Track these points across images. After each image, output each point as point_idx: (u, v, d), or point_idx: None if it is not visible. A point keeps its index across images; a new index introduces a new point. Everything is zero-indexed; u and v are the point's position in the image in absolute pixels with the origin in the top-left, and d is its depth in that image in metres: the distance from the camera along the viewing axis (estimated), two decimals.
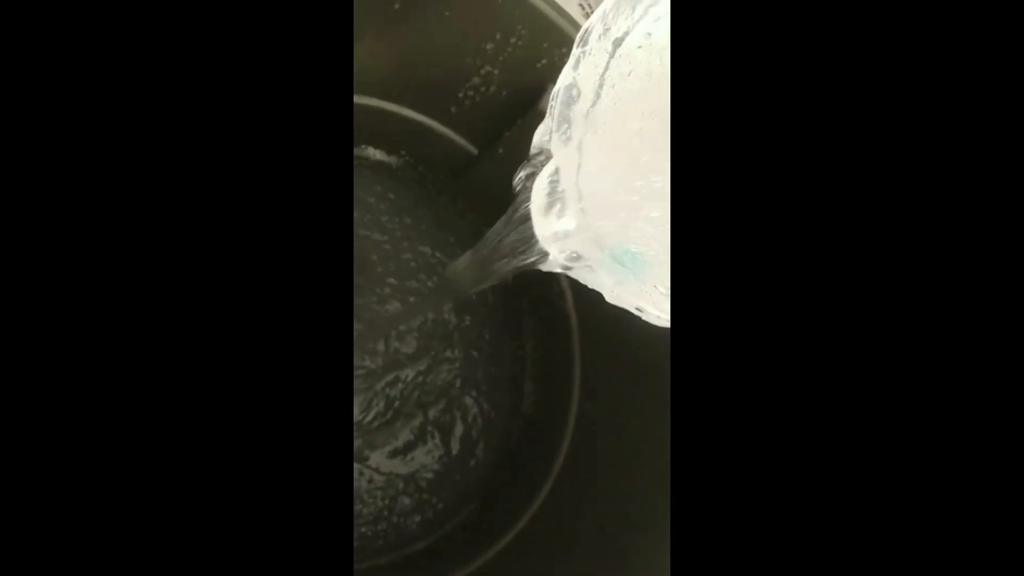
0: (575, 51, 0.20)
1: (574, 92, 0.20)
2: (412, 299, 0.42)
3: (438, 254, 0.43)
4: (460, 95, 0.37)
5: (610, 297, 0.21)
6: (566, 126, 0.21)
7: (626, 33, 0.19)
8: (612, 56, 0.19)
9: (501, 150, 0.38)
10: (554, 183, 0.22)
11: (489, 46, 0.34)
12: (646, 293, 0.20)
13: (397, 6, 0.32)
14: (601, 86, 0.20)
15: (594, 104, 0.20)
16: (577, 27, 0.32)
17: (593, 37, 0.20)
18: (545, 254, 0.23)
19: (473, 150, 0.40)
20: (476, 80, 0.36)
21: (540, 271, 0.25)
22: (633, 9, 0.19)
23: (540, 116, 0.34)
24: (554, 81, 0.33)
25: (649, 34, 0.18)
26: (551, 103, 0.21)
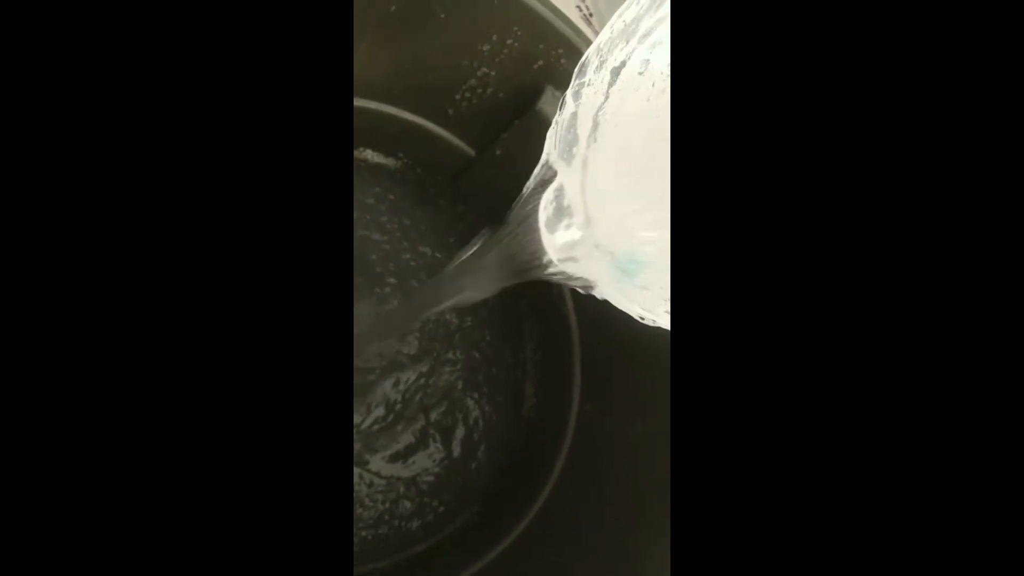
0: (574, 82, 0.21)
1: (576, 120, 0.21)
2: (410, 300, 0.42)
3: (438, 254, 0.43)
4: (457, 97, 0.37)
5: (616, 302, 0.22)
6: (570, 149, 0.22)
7: (623, 62, 0.20)
8: (612, 84, 0.20)
9: (498, 152, 0.38)
10: (559, 199, 0.22)
11: (485, 48, 0.34)
12: (648, 298, 0.21)
13: (393, 8, 0.32)
14: (602, 112, 0.20)
15: (595, 128, 0.21)
16: (574, 28, 0.32)
17: (591, 70, 0.21)
18: (550, 264, 0.24)
19: (470, 152, 0.40)
20: (473, 82, 0.36)
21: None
22: (627, 41, 0.20)
23: (537, 117, 0.34)
24: (551, 82, 0.34)
25: (647, 60, 0.19)
26: (552, 130, 0.22)
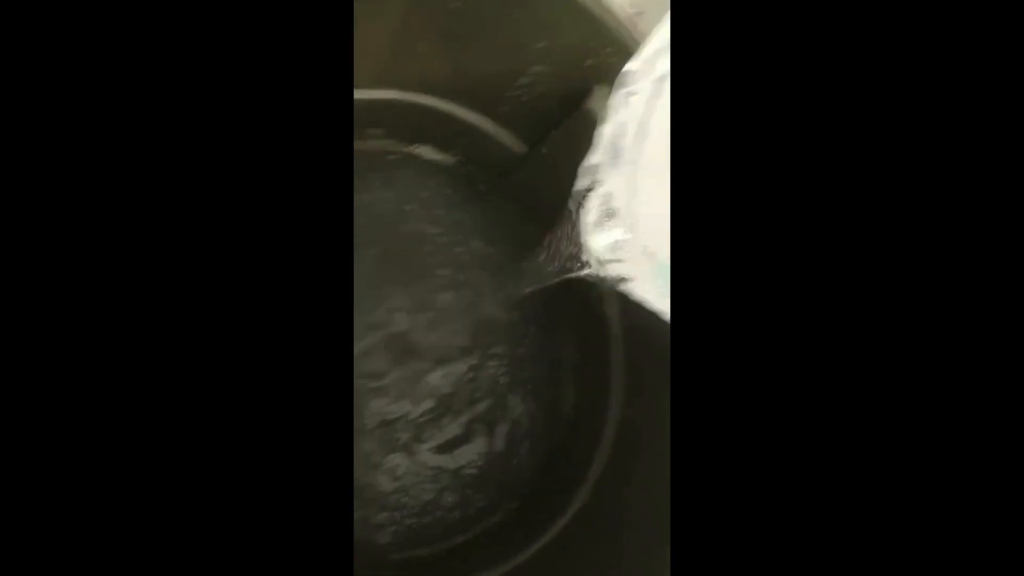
0: (620, 92, 0.23)
1: (622, 128, 0.23)
2: (467, 292, 0.43)
3: (489, 249, 0.44)
4: (509, 94, 0.37)
5: (652, 302, 0.23)
6: (617, 156, 0.23)
7: (666, 73, 0.21)
8: (656, 94, 0.22)
9: (545, 150, 0.38)
10: (605, 202, 0.24)
11: (540, 44, 0.34)
12: None
13: (457, 4, 0.33)
14: (647, 120, 0.22)
15: (638, 134, 0.22)
16: (623, 26, 0.32)
17: (636, 79, 0.22)
18: (593, 264, 0.25)
19: (519, 149, 0.40)
20: (525, 80, 0.36)
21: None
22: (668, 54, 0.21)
23: (585, 117, 0.34)
24: (600, 81, 0.34)
25: None
26: (599, 137, 0.23)
